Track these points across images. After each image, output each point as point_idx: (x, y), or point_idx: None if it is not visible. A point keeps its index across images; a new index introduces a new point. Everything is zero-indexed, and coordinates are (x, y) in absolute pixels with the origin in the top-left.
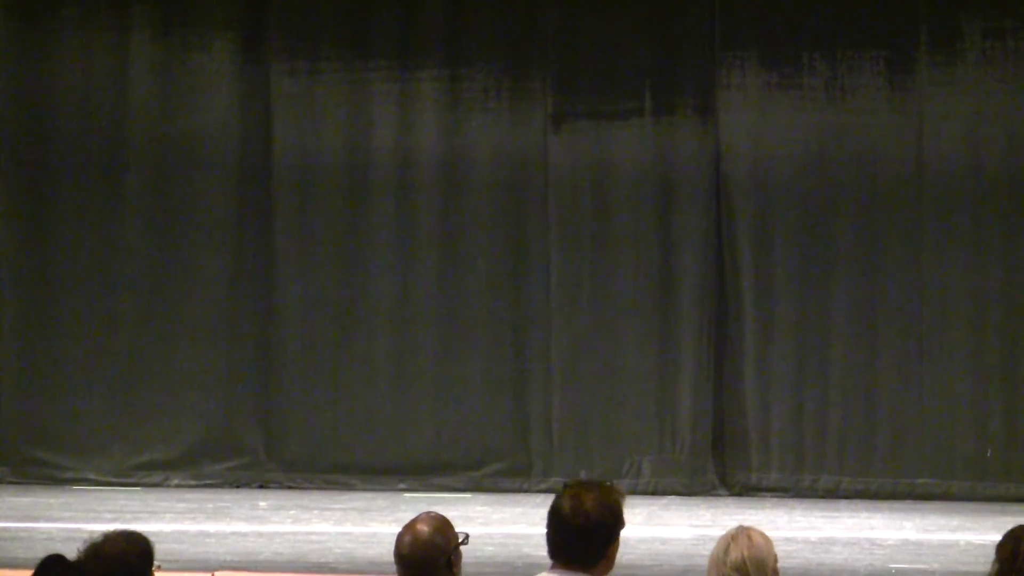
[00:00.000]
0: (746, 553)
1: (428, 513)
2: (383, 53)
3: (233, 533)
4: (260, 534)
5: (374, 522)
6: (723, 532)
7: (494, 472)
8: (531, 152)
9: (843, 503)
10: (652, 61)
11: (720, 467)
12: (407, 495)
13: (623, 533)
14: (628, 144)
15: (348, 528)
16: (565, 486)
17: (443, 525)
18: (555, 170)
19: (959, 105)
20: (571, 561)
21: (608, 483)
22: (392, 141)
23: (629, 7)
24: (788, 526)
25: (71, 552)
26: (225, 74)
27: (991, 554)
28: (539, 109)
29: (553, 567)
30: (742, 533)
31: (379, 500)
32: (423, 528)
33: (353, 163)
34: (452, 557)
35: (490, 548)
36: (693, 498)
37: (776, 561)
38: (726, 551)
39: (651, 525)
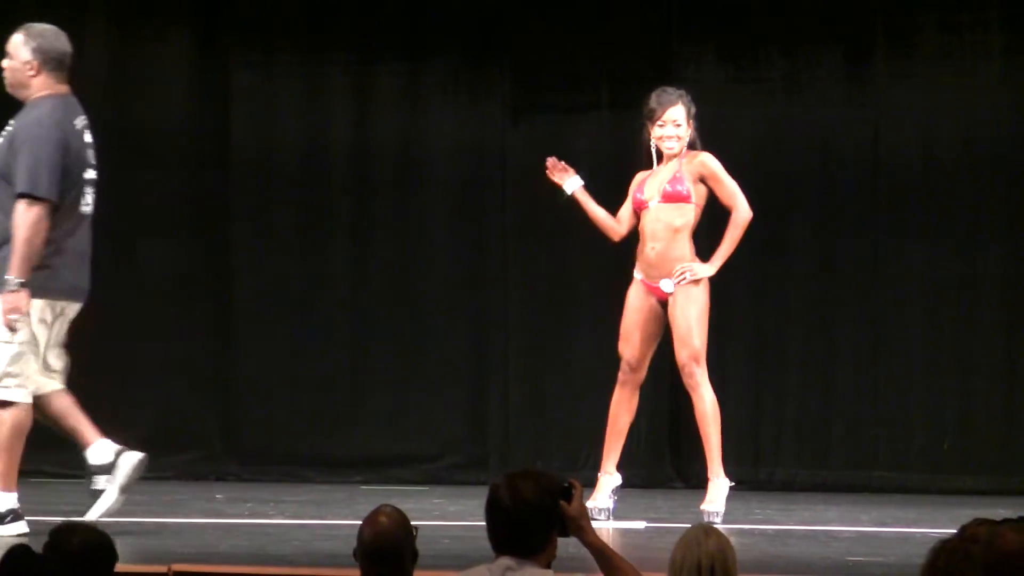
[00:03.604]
0: (723, 541)
1: (385, 506)
2: (341, 45)
3: (189, 526)
4: (217, 527)
5: (331, 515)
6: (679, 525)
7: (451, 464)
8: (489, 145)
9: (800, 495)
10: (609, 54)
11: (676, 460)
12: (364, 488)
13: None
14: (585, 137)
15: (305, 521)
16: (503, 477)
17: (403, 517)
18: (513, 163)
19: (916, 98)
20: (515, 550)
21: (544, 471)
22: (350, 133)
23: (587, 0)
24: (745, 518)
25: (36, 545)
26: (182, 65)
27: None
28: (497, 102)
29: (497, 558)
30: (710, 527)
31: (336, 493)
32: (385, 521)
33: (311, 155)
34: (415, 548)
35: (447, 540)
36: (650, 490)
37: None
38: (706, 535)
39: (607, 517)
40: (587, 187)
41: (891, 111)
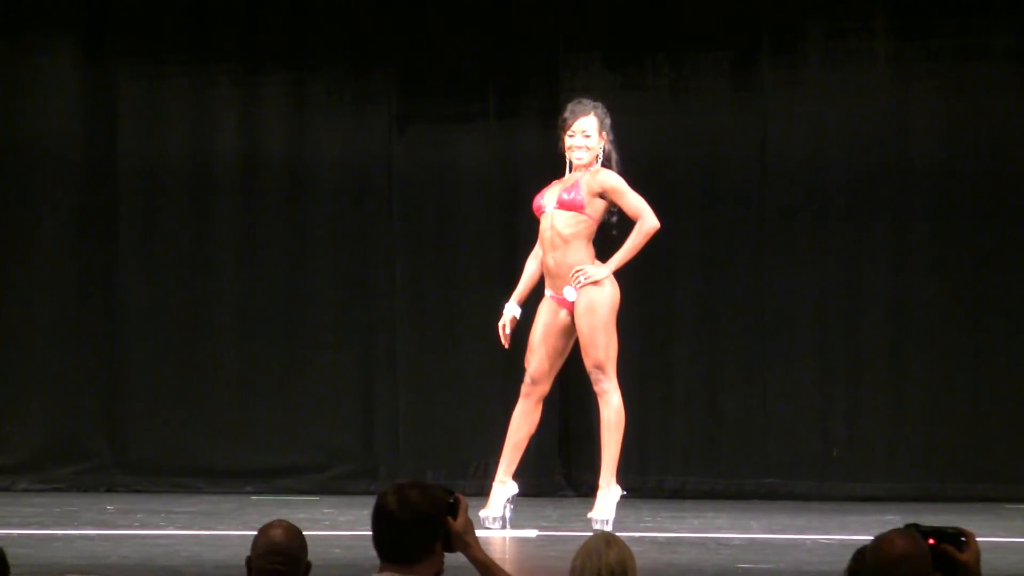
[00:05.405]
0: (625, 552)
1: (279, 520)
2: (227, 56)
3: (80, 537)
4: (107, 538)
5: (221, 525)
6: (570, 534)
7: (340, 474)
8: (376, 155)
9: (689, 503)
10: (496, 63)
11: (566, 468)
12: (254, 498)
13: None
14: (472, 146)
15: (195, 531)
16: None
17: (298, 531)
18: (400, 173)
19: (802, 107)
20: (400, 558)
21: (432, 484)
22: (237, 144)
23: (473, 9)
24: (635, 526)
25: None
26: (68, 77)
27: (837, 553)
28: (383, 112)
29: (382, 569)
30: (612, 536)
31: (226, 503)
32: (280, 532)
33: (198, 167)
34: (308, 561)
35: (337, 550)
36: (539, 499)
37: None
38: (607, 544)
39: (502, 526)
40: (475, 197)
41: (778, 118)
